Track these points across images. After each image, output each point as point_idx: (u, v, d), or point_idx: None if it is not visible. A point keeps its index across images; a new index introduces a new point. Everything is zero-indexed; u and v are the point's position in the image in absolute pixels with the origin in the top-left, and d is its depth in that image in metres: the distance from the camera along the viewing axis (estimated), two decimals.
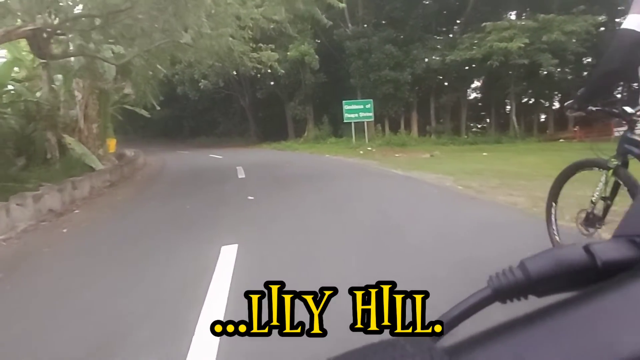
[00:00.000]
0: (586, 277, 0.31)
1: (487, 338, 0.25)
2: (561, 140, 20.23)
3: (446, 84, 23.48)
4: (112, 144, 21.53)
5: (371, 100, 20.81)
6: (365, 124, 20.90)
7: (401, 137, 20.73)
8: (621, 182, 2.28)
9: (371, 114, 20.72)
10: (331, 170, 9.70)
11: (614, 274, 0.29)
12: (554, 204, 2.71)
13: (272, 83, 25.30)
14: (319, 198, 5.90)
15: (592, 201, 2.46)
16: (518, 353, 0.23)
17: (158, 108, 16.12)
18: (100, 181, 8.70)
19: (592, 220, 2.48)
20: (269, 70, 23.40)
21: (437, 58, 20.39)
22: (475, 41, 19.17)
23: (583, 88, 2.34)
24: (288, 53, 19.35)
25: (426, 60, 20.51)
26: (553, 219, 2.72)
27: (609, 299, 0.26)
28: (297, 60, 20.17)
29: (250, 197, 6.10)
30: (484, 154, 13.84)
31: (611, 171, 2.30)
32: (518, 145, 17.91)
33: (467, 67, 21.08)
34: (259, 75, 25.30)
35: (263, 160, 13.97)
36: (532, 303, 0.30)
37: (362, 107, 20.78)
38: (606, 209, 2.43)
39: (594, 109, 2.30)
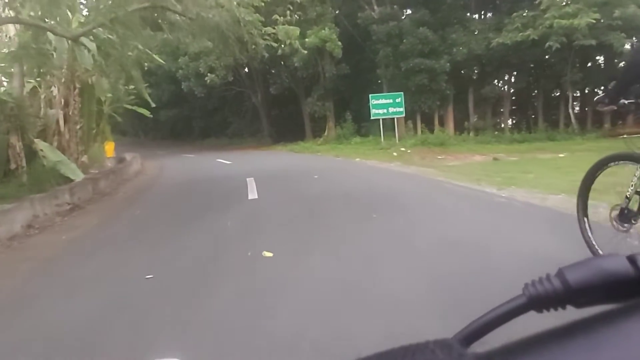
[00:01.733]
0: (629, 289, 0.29)
1: (521, 348, 0.24)
2: (624, 136, 17.12)
3: (482, 72, 20.41)
4: (109, 147, 19.44)
5: (401, 93, 18.11)
6: (396, 120, 18.21)
7: (438, 135, 17.81)
8: None
9: (402, 109, 18.07)
10: (381, 186, 6.89)
11: None
12: (585, 199, 2.56)
13: (286, 80, 22.56)
14: (407, 265, 2.89)
15: (626, 196, 2.36)
16: None
17: (153, 105, 13.62)
18: (51, 205, 6.08)
19: (627, 216, 2.36)
20: (283, 63, 20.75)
21: (480, 42, 17.39)
22: (526, 21, 16.19)
23: (614, 81, 2.27)
24: (306, 39, 16.60)
25: (468, 45, 17.48)
26: (583, 215, 2.57)
27: None
28: (317, 48, 17.39)
29: (267, 254, 3.31)
30: (560, 155, 10.91)
31: None
32: (585, 143, 14.83)
33: (514, 52, 18.03)
34: (272, 70, 22.65)
35: (280, 167, 11.26)
36: (568, 314, 0.28)
37: (391, 101, 18.07)
38: None
39: (626, 102, 2.22)
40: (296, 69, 19.44)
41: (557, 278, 0.30)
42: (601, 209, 2.71)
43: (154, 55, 13.23)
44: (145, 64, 13.38)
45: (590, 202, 2.59)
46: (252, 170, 10.37)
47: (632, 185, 2.33)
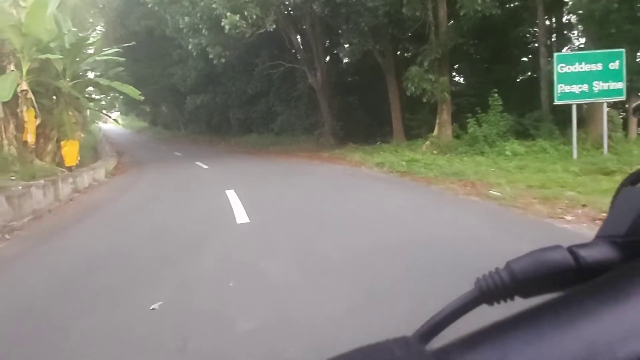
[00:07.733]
0: (570, 278, 0.31)
1: (474, 340, 0.25)
2: None
3: None
4: (70, 151, 11.49)
5: (622, 50, 8.62)
6: (604, 108, 8.77)
7: None
8: None
9: (621, 84, 8.68)
10: None
11: (596, 275, 0.30)
12: None
13: (367, 35, 12.89)
14: None
15: None
16: (505, 354, 0.24)
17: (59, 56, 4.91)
18: None
19: None
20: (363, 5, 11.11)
21: None
22: None
23: None
24: None
25: None
26: None
27: (590, 300, 0.26)
28: None
29: None
30: None
31: None
32: None
33: None
34: (344, 20, 13.19)
35: None
36: (518, 304, 0.30)
37: (599, 67, 8.74)
38: None
39: None
40: (390, 13, 10.15)
41: (505, 271, 0.31)
42: None
43: None
44: None
45: None
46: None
47: None
